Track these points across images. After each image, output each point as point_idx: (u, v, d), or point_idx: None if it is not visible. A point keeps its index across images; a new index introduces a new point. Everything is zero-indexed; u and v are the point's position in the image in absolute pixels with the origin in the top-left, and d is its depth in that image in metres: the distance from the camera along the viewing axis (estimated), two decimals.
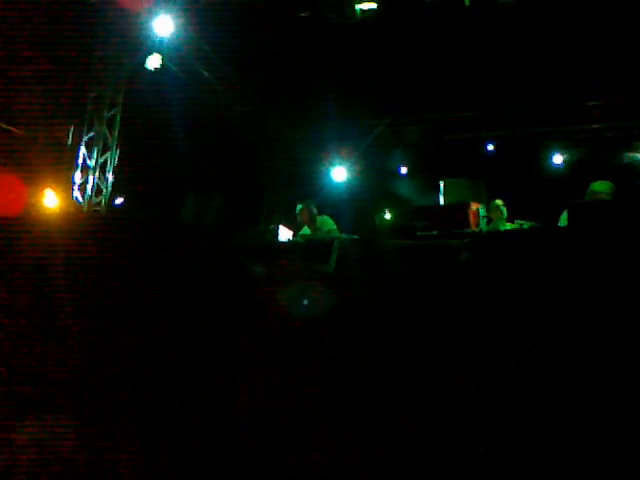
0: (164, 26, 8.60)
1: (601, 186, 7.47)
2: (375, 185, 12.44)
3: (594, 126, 11.71)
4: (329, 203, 9.37)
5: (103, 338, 5.20)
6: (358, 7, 8.46)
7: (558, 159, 11.59)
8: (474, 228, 7.47)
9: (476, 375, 4.56)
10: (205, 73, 10.64)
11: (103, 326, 5.23)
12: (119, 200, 8.98)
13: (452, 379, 4.54)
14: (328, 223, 8.18)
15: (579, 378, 4.33)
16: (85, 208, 8.23)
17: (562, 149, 11.65)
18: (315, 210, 8.32)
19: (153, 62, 8.69)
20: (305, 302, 5.23)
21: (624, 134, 11.40)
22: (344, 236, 7.94)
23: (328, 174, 13.06)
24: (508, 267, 5.21)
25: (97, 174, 8.71)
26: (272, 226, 7.86)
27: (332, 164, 13.10)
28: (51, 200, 7.75)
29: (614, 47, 9.45)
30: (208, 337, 5.17)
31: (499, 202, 8.46)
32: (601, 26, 9.19)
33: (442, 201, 8.54)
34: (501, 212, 8.36)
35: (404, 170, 13.00)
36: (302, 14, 9.01)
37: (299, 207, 8.38)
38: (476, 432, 4.37)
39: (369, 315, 5.03)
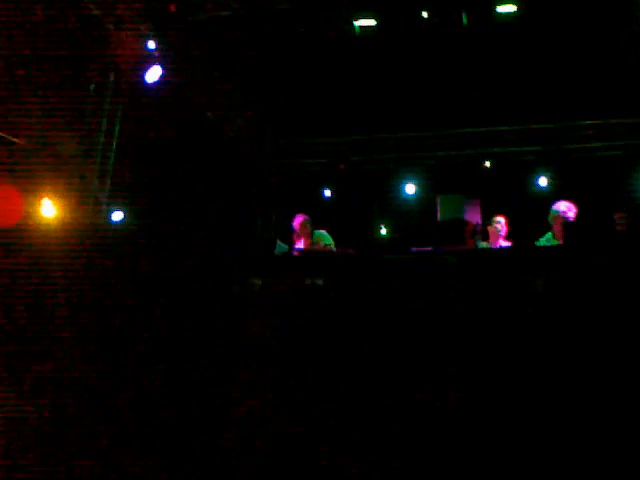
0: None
1: (563, 207, 7.57)
2: (372, 200, 12.44)
3: (588, 145, 11.76)
4: (325, 217, 9.36)
5: (99, 351, 5.21)
6: (356, 24, 8.50)
7: (551, 179, 11.64)
8: (470, 245, 7.49)
9: (469, 389, 4.57)
10: (203, 87, 10.67)
11: (99, 338, 5.23)
12: (118, 215, 8.96)
13: (447, 395, 4.55)
14: (325, 238, 8.19)
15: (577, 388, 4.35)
16: (84, 219, 8.22)
17: (556, 168, 11.68)
18: (311, 225, 8.34)
19: (152, 75, 8.71)
20: (302, 315, 5.24)
21: (620, 154, 11.43)
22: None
23: (325, 188, 13.07)
24: (502, 284, 5.23)
25: (96, 185, 8.71)
26: (269, 240, 7.88)
27: (328, 177, 13.11)
28: (49, 210, 7.73)
29: (610, 67, 9.51)
30: (204, 349, 5.17)
31: (498, 219, 8.47)
32: (599, 47, 9.25)
33: (438, 217, 8.57)
34: (498, 229, 8.37)
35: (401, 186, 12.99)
36: (300, 30, 9.05)
37: (297, 220, 8.40)
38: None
39: (364, 330, 5.04)
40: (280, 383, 4.92)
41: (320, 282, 5.95)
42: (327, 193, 12.94)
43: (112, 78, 8.90)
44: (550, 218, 7.66)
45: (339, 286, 5.70)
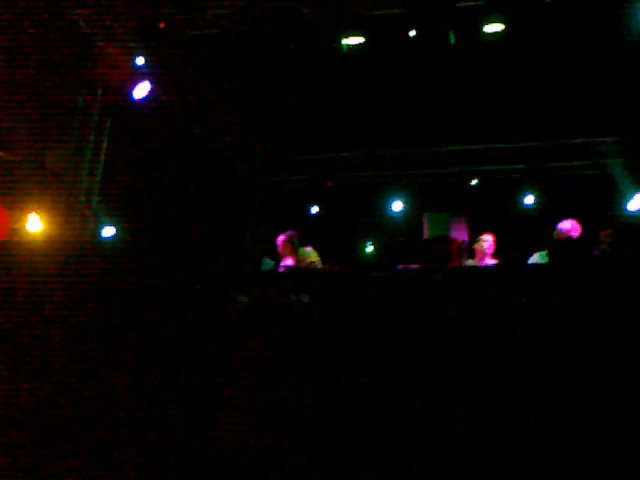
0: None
1: (567, 225, 7.63)
2: (358, 217, 12.46)
3: (575, 163, 11.84)
4: (312, 234, 9.37)
5: (87, 367, 5.19)
6: (345, 41, 8.53)
7: (537, 197, 11.69)
8: (456, 262, 7.52)
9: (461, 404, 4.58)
10: (192, 102, 10.69)
11: (86, 354, 5.22)
12: (108, 230, 8.94)
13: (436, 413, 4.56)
14: (310, 255, 8.18)
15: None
16: (71, 234, 8.20)
17: (543, 186, 11.73)
18: (297, 242, 8.34)
19: (141, 91, 8.72)
20: (287, 332, 5.24)
21: (605, 173, 11.50)
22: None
23: (312, 205, 13.08)
24: (488, 302, 5.25)
25: (84, 201, 8.71)
26: (256, 257, 7.88)
27: (315, 194, 13.13)
28: (35, 225, 7.71)
29: (596, 87, 9.59)
30: (190, 365, 5.16)
31: (485, 237, 8.49)
32: (584, 66, 9.33)
33: (425, 235, 8.60)
34: (485, 247, 8.39)
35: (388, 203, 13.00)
36: (289, 47, 9.08)
37: (281, 239, 8.40)
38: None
39: (350, 347, 5.04)
40: (266, 399, 4.91)
41: (306, 299, 5.95)
42: (314, 210, 12.96)
43: (100, 93, 8.91)
44: (554, 235, 7.71)
45: (325, 303, 5.71)
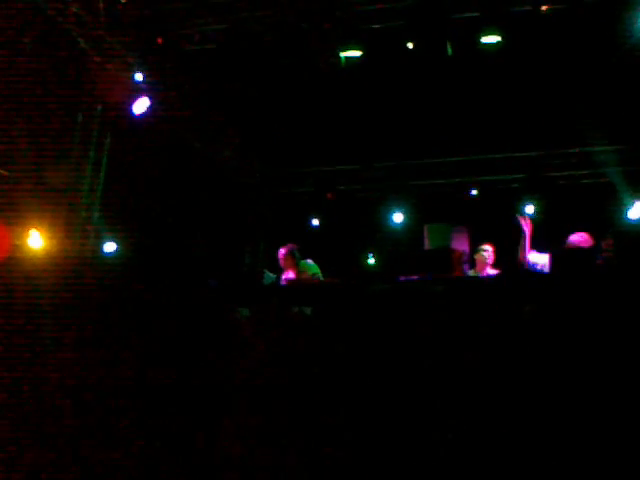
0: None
1: (577, 237, 7.62)
2: (359, 229, 12.47)
3: (575, 173, 11.85)
4: (313, 247, 9.37)
5: (86, 381, 5.18)
6: (342, 54, 8.56)
7: (538, 206, 11.70)
8: (457, 273, 7.51)
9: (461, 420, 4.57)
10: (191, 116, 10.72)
11: (86, 370, 5.21)
12: (109, 246, 8.94)
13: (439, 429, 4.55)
14: (311, 267, 8.18)
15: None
16: (72, 250, 8.21)
17: (543, 196, 11.74)
18: (298, 255, 8.34)
19: (140, 106, 8.74)
20: (289, 345, 5.24)
21: (604, 181, 11.51)
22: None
23: (313, 217, 13.10)
24: (489, 312, 5.24)
25: (84, 216, 8.71)
26: (257, 270, 7.88)
27: (316, 207, 13.15)
28: (36, 241, 7.72)
29: (594, 96, 9.61)
30: (192, 379, 5.15)
31: (485, 247, 8.48)
32: (582, 75, 9.36)
33: (426, 246, 8.59)
34: (485, 258, 8.38)
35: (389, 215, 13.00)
36: (287, 61, 9.12)
37: (282, 252, 8.39)
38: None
39: (351, 359, 5.03)
40: (268, 413, 4.90)
41: (308, 312, 5.95)
42: (315, 222, 12.97)
43: (100, 109, 8.93)
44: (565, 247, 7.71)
45: (326, 316, 5.70)
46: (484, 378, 4.73)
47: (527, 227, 7.97)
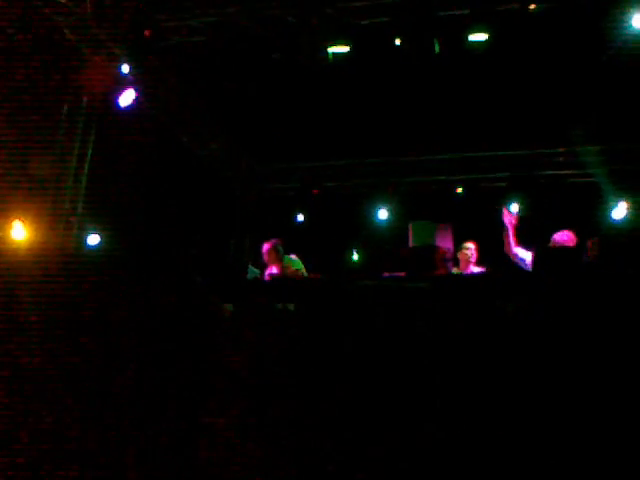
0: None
1: (563, 236, 7.66)
2: (344, 225, 12.46)
3: (560, 172, 11.88)
4: (298, 242, 9.37)
5: (69, 375, 5.16)
6: (330, 50, 8.55)
7: (523, 205, 11.72)
8: (441, 271, 7.52)
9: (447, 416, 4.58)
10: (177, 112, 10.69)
11: (68, 364, 5.18)
12: (93, 238, 8.90)
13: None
14: (295, 263, 8.19)
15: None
16: (55, 242, 8.17)
17: (528, 195, 11.76)
18: (282, 250, 8.34)
19: (126, 98, 8.70)
20: (273, 341, 5.23)
21: (592, 180, 11.55)
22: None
23: (298, 213, 13.10)
24: (472, 309, 5.26)
25: (68, 209, 8.67)
26: (241, 265, 7.87)
27: (301, 202, 13.15)
28: (19, 233, 7.68)
29: (581, 95, 9.64)
30: (175, 374, 5.14)
31: (468, 245, 8.51)
32: (569, 74, 9.38)
33: (410, 243, 8.59)
34: (469, 255, 8.41)
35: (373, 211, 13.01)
36: (274, 56, 9.10)
37: (266, 247, 8.39)
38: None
39: (335, 356, 5.03)
40: (250, 409, 4.90)
41: (292, 307, 5.95)
42: (300, 218, 12.96)
43: (85, 101, 8.89)
44: (549, 245, 7.74)
45: (311, 311, 5.70)
46: (467, 376, 4.74)
47: (512, 220, 8.00)
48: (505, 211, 8.14)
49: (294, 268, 8.06)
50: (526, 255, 7.80)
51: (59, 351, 5.29)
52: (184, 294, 5.80)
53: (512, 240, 7.97)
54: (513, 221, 8.00)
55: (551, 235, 7.86)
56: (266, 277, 8.03)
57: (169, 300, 5.62)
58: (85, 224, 8.93)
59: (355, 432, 4.65)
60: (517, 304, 5.36)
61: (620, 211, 10.92)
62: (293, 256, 8.30)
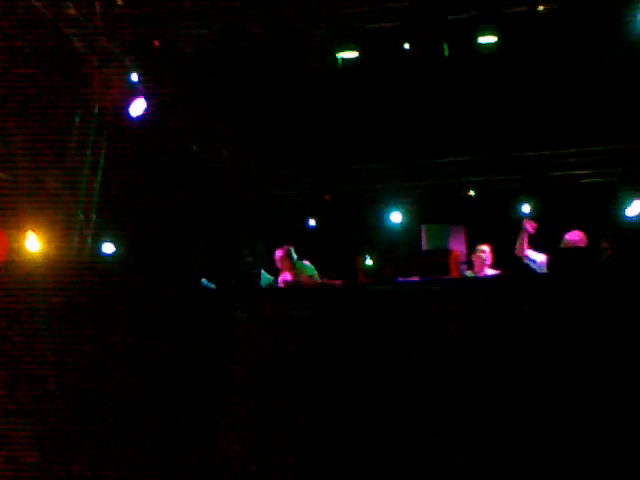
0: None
1: (574, 236, 7.64)
2: (356, 229, 12.48)
3: (572, 173, 11.86)
4: (310, 247, 9.38)
5: (84, 386, 5.17)
6: (339, 55, 8.55)
7: (536, 206, 11.70)
8: (455, 274, 7.50)
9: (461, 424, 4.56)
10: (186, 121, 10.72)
11: (84, 374, 5.20)
12: (108, 247, 8.94)
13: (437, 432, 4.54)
14: (307, 269, 8.17)
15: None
16: (69, 253, 8.20)
17: (539, 196, 11.75)
18: (294, 255, 8.33)
19: (137, 108, 8.73)
20: (287, 347, 5.22)
21: (603, 182, 11.54)
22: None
23: (309, 218, 13.12)
24: (488, 312, 5.24)
25: (81, 219, 8.71)
26: (254, 272, 7.87)
27: (313, 208, 13.17)
28: (33, 244, 7.71)
29: (592, 95, 9.62)
30: (189, 382, 5.14)
31: (482, 248, 8.47)
32: (580, 75, 9.36)
33: (424, 247, 8.58)
34: (483, 258, 8.37)
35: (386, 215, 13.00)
36: (283, 61, 9.11)
37: (278, 253, 8.38)
38: None
39: (350, 361, 5.03)
40: (265, 416, 4.90)
41: (306, 314, 5.94)
42: (312, 222, 12.98)
43: (96, 112, 8.92)
44: (561, 245, 7.72)
45: (324, 318, 5.69)
46: (484, 380, 4.72)
47: (531, 229, 8.01)
48: (526, 221, 8.15)
49: (307, 274, 8.05)
50: (537, 256, 7.81)
51: (74, 361, 5.31)
52: (198, 302, 5.81)
53: (525, 243, 7.97)
54: (532, 230, 8.01)
55: (562, 235, 7.85)
56: (280, 284, 8.03)
57: (183, 308, 5.63)
58: (99, 234, 8.97)
59: (374, 439, 4.64)
60: (534, 306, 5.33)
61: (634, 209, 10.90)
62: (306, 262, 8.29)
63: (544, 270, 7.48)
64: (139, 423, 5.08)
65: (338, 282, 7.14)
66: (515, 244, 8.04)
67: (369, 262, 7.64)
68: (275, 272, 8.47)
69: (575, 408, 4.41)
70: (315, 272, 8.18)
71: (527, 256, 7.92)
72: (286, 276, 8.16)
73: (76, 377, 5.26)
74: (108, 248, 8.97)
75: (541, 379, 4.58)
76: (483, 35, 8.19)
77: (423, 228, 8.85)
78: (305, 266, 8.21)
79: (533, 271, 7.84)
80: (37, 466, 4.94)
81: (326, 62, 8.62)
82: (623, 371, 4.44)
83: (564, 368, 4.56)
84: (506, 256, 8.41)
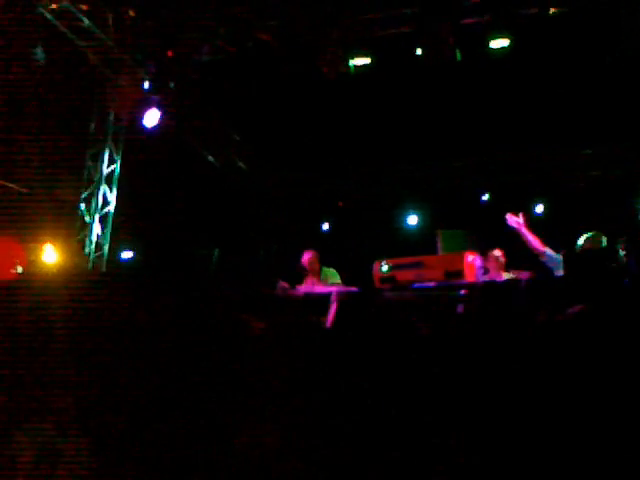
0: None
1: (590, 237, 7.59)
2: (372, 236, 12.48)
3: (589, 174, 11.84)
4: (326, 252, 9.38)
5: (102, 398, 5.19)
6: (352, 62, 8.57)
7: (549, 208, 11.68)
8: (471, 279, 7.49)
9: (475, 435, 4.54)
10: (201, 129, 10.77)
11: (103, 386, 5.22)
12: (127, 254, 9.00)
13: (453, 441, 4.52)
14: (333, 275, 8.12)
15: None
16: (85, 264, 8.26)
17: (554, 197, 11.73)
18: (319, 261, 8.25)
19: (151, 118, 8.78)
20: (305, 355, 5.23)
21: (620, 183, 11.51)
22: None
23: (324, 222, 13.16)
24: (505, 318, 5.23)
25: (97, 230, 8.78)
26: (271, 279, 7.86)
27: (328, 212, 13.21)
28: (50, 256, 7.77)
29: (604, 96, 9.60)
30: (206, 393, 5.15)
31: (496, 252, 8.45)
32: (593, 76, 9.35)
33: (439, 252, 8.58)
34: (498, 262, 8.35)
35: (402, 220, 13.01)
36: (297, 69, 9.14)
37: (307, 256, 8.24)
38: None
39: (368, 371, 5.03)
40: (283, 425, 4.90)
41: (322, 322, 5.94)
42: (325, 227, 13.01)
43: (111, 123, 9.00)
44: (577, 248, 7.67)
45: (345, 324, 5.70)
46: (504, 384, 4.71)
47: (519, 222, 7.84)
48: (508, 217, 7.99)
49: (331, 281, 7.99)
50: (557, 255, 7.70)
51: (89, 372, 5.33)
52: (214, 311, 5.82)
53: (534, 239, 7.84)
54: (521, 221, 7.85)
55: (577, 237, 7.80)
56: (306, 287, 7.96)
57: (199, 318, 5.65)
58: (117, 242, 9.04)
59: (395, 449, 4.63)
60: (552, 310, 5.31)
61: None
62: (331, 269, 8.23)
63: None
64: (154, 434, 5.09)
65: (354, 288, 7.14)
66: (527, 245, 7.95)
67: (385, 268, 7.62)
68: (293, 276, 8.40)
69: (591, 416, 4.40)
70: (339, 278, 8.13)
71: (545, 253, 7.77)
72: (310, 281, 8.03)
73: (94, 388, 5.28)
74: (126, 254, 9.03)
75: (558, 381, 4.56)
76: (495, 39, 8.20)
77: (438, 234, 8.84)
78: (331, 272, 8.15)
79: (550, 270, 7.75)
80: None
81: (340, 69, 8.65)
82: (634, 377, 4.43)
83: (580, 371, 4.54)
84: (520, 260, 8.39)
